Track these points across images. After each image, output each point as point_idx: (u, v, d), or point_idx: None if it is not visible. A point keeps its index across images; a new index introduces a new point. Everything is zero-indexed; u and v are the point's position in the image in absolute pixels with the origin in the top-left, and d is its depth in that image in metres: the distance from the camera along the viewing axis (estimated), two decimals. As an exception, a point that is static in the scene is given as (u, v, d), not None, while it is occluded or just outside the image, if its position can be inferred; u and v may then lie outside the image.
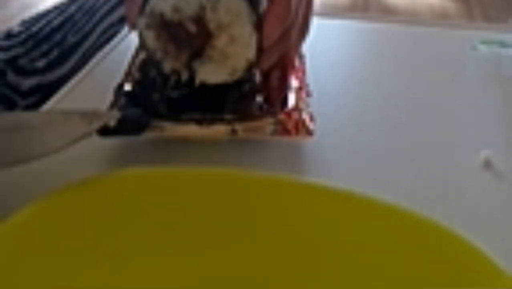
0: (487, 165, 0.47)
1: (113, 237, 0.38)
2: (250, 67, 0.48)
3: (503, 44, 0.64)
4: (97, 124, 0.43)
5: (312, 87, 0.52)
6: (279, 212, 0.34)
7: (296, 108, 0.48)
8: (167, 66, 0.48)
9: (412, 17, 2.51)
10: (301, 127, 0.46)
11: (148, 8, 0.47)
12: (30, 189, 0.42)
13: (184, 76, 0.48)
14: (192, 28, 0.47)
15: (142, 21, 0.47)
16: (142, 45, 0.48)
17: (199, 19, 0.47)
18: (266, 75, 0.51)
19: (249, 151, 0.48)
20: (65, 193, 0.39)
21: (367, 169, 0.47)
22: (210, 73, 0.48)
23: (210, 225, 0.38)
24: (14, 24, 0.77)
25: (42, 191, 0.40)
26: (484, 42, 0.64)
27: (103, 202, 0.39)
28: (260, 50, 0.47)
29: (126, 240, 0.38)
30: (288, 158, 0.48)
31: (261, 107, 0.49)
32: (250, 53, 0.47)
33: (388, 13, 2.66)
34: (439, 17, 2.68)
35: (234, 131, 0.46)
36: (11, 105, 0.73)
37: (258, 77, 0.50)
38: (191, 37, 0.47)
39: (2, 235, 0.36)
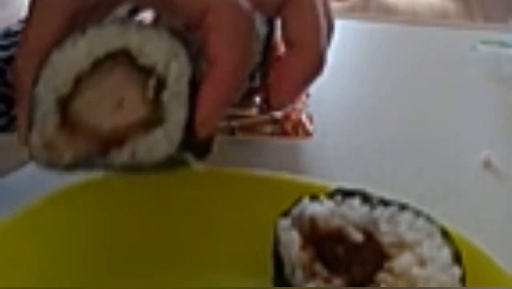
0: (487, 165, 0.47)
1: (113, 237, 0.38)
2: None
3: (503, 44, 0.64)
4: None
5: (311, 87, 0.52)
6: (278, 212, 0.34)
7: (295, 108, 0.48)
8: None
9: (412, 17, 2.51)
10: (300, 128, 0.46)
11: (297, 210, 0.34)
12: (29, 189, 0.41)
13: None
14: (357, 236, 0.32)
15: (285, 223, 0.34)
16: (275, 251, 0.33)
17: (368, 233, 0.33)
18: (265, 75, 0.51)
19: (247, 150, 0.48)
20: (65, 193, 0.39)
21: (366, 168, 0.47)
22: None
23: (208, 224, 0.38)
24: (13, 23, 0.77)
25: (42, 191, 0.40)
26: (484, 42, 0.64)
27: (103, 202, 0.39)
28: None
29: (126, 240, 0.38)
30: (287, 158, 0.48)
31: (260, 108, 0.49)
32: None
33: (388, 13, 2.66)
34: (439, 17, 2.68)
35: (232, 132, 0.46)
36: (11, 105, 0.73)
37: (257, 77, 0.50)
38: (354, 260, 0.32)
39: (2, 235, 0.36)
